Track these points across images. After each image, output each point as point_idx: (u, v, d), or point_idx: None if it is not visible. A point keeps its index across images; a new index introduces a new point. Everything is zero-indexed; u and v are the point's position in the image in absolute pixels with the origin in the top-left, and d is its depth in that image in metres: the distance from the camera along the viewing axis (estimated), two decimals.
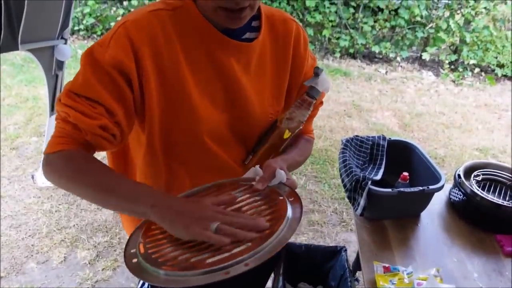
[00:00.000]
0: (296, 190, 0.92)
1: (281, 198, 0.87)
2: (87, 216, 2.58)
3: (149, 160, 1.02)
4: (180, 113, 0.93)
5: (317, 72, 1.03)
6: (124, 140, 0.94)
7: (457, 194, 1.71)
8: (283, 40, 1.04)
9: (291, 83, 1.07)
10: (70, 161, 0.86)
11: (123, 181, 0.86)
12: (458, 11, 5.10)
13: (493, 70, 5.28)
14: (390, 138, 1.92)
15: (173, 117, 0.94)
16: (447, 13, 5.12)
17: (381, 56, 5.41)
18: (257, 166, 0.94)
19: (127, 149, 1.08)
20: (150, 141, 0.97)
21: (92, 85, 0.85)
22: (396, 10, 5.09)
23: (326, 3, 5.02)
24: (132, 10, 5.22)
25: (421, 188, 1.57)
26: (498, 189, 1.75)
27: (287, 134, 1.04)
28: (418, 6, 4.96)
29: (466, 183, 1.68)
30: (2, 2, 1.64)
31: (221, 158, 1.01)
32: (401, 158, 1.89)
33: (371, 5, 5.05)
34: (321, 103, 1.17)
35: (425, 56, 5.25)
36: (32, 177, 2.86)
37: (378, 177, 1.75)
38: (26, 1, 1.78)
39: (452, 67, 5.31)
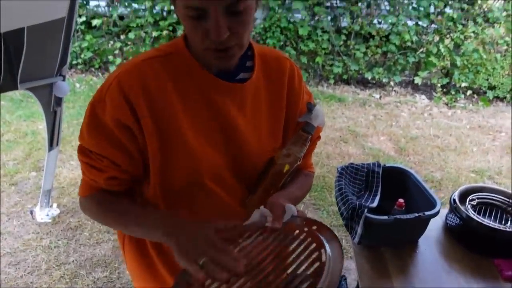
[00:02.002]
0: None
1: (305, 230, 0.86)
2: (86, 251, 2.57)
3: (151, 200, 1.04)
4: (178, 156, 0.96)
5: (310, 108, 1.06)
6: (140, 177, 1.03)
7: (454, 219, 1.72)
8: (277, 78, 1.06)
9: (287, 120, 1.09)
10: (96, 205, 1.03)
11: (138, 214, 0.98)
12: (448, 36, 5.21)
13: (485, 92, 5.36)
14: (385, 165, 1.94)
15: (172, 160, 0.97)
16: (436, 38, 5.24)
17: (374, 82, 5.49)
18: (262, 207, 0.94)
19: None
20: (153, 183, 1.00)
21: (97, 142, 0.96)
22: (387, 36, 5.20)
23: (319, 32, 5.13)
24: (129, 43, 5.31)
25: (417, 214, 1.59)
26: (494, 212, 1.77)
27: (285, 170, 1.05)
28: (408, 31, 5.07)
29: (462, 207, 1.69)
30: (2, 43, 1.69)
31: (221, 198, 1.03)
32: (396, 184, 1.91)
33: (362, 32, 5.16)
34: (319, 137, 1.18)
35: (418, 80, 5.33)
36: (31, 212, 2.86)
37: (374, 204, 1.77)
38: (25, 42, 1.82)
39: (445, 90, 5.39)
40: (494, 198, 1.80)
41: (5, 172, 3.32)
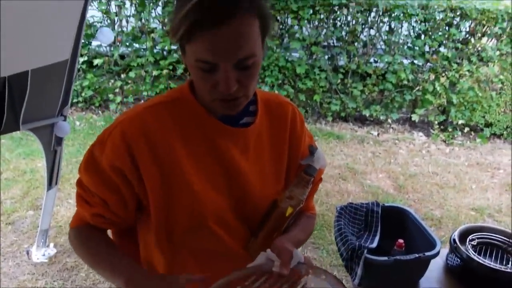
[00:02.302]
0: None
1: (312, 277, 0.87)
2: None
3: (153, 244, 1.05)
4: (182, 200, 0.98)
5: (312, 151, 1.08)
6: (125, 224, 1.05)
7: (454, 259, 1.71)
8: (280, 122, 1.09)
9: (289, 163, 1.12)
10: (78, 238, 1.06)
11: (109, 256, 1.01)
12: (443, 74, 5.31)
13: (482, 129, 5.40)
14: (384, 204, 1.94)
15: (175, 204, 0.98)
16: (432, 76, 5.33)
17: (372, 119, 5.55)
18: (268, 250, 0.95)
19: (133, 229, 1.12)
20: (156, 227, 1.01)
21: (91, 179, 0.99)
22: (383, 75, 5.29)
23: (316, 70, 5.22)
24: (129, 82, 5.39)
25: (417, 255, 1.58)
26: (494, 252, 1.76)
27: (288, 213, 1.06)
28: (404, 70, 5.16)
29: (462, 248, 1.68)
30: (6, 85, 1.72)
31: (224, 241, 1.03)
32: (396, 223, 1.91)
33: (359, 70, 5.25)
34: (320, 179, 1.20)
35: (415, 118, 5.39)
36: (27, 252, 2.82)
37: (374, 244, 1.76)
38: (29, 84, 1.86)
39: (442, 127, 5.44)
40: (494, 238, 1.79)
41: (3, 211, 3.29)
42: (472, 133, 5.46)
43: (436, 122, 5.39)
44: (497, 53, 5.19)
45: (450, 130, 5.37)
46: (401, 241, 1.71)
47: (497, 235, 1.79)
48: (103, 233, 1.06)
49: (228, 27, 0.81)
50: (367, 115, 5.40)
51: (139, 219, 1.07)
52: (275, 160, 1.09)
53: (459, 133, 5.38)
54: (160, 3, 5.10)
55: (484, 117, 5.38)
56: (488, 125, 5.39)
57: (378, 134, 5.30)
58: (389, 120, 5.46)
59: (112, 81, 5.43)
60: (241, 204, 1.03)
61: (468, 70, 5.19)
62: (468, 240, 1.78)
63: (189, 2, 0.81)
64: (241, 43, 0.83)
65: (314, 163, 1.06)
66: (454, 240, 1.74)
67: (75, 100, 5.32)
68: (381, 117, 5.40)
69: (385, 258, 1.58)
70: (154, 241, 1.03)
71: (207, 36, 0.81)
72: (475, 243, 1.76)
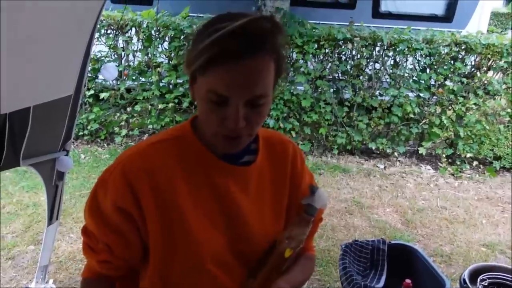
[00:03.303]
0: None
1: None
2: None
3: (150, 284, 1.02)
4: (180, 240, 0.96)
5: (312, 190, 1.06)
6: (132, 268, 1.04)
7: None
8: (281, 161, 1.08)
9: (290, 202, 1.10)
10: None
11: None
12: (449, 107, 5.29)
13: (491, 163, 5.33)
14: (390, 242, 1.89)
15: (173, 244, 0.96)
16: (438, 109, 5.31)
17: (378, 152, 5.50)
18: None
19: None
20: (153, 267, 0.99)
21: (95, 224, 0.99)
22: (389, 108, 5.28)
23: (321, 103, 5.22)
24: (135, 115, 5.43)
25: None
26: None
27: (287, 254, 1.03)
28: (410, 103, 5.15)
29: None
30: (7, 121, 1.71)
31: (223, 282, 1.00)
32: (403, 261, 1.85)
33: (365, 104, 5.25)
34: (321, 219, 1.18)
35: (422, 151, 5.33)
36: None
37: (381, 284, 1.70)
38: (30, 120, 1.85)
39: (450, 160, 5.37)
40: (506, 278, 1.73)
41: (3, 246, 3.25)
42: (481, 166, 5.38)
43: (443, 155, 5.34)
44: (504, 86, 5.18)
45: (458, 163, 5.30)
46: (408, 281, 1.65)
47: (508, 275, 1.72)
48: (113, 285, 1.05)
49: (247, 64, 0.82)
50: (373, 148, 5.36)
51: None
52: (276, 199, 1.07)
53: (468, 166, 5.31)
54: (166, 38, 5.19)
55: (492, 150, 5.32)
56: (497, 158, 5.32)
57: (384, 167, 5.25)
58: (396, 153, 5.41)
59: (118, 114, 5.47)
60: (240, 244, 1.01)
61: (475, 104, 5.17)
62: (478, 280, 1.71)
63: (211, 35, 0.81)
64: (257, 81, 0.84)
65: (315, 203, 1.05)
66: (464, 280, 1.68)
67: (80, 133, 5.35)
68: (388, 150, 5.36)
69: None
70: (150, 282, 1.01)
71: (224, 68, 0.82)
72: (486, 284, 1.70)
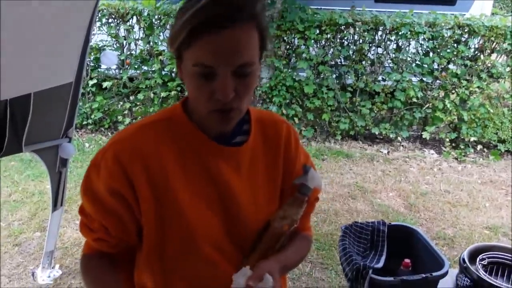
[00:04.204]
0: None
1: None
2: None
3: (144, 269, 1.03)
4: (174, 222, 0.96)
5: (306, 170, 1.05)
6: (129, 246, 1.04)
7: (464, 280, 1.65)
8: (274, 142, 1.08)
9: (284, 183, 1.09)
10: (85, 265, 1.08)
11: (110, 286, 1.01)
12: (453, 91, 5.26)
13: (496, 146, 5.31)
14: (390, 223, 1.90)
15: (167, 226, 0.96)
16: (442, 93, 5.28)
17: (381, 137, 5.49)
18: (247, 267, 0.93)
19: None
20: (147, 249, 0.99)
21: (90, 204, 0.99)
22: (392, 93, 5.26)
23: (324, 89, 5.21)
24: (138, 104, 5.44)
25: (424, 275, 1.53)
26: (506, 272, 1.70)
27: (281, 233, 1.03)
28: (413, 88, 5.13)
29: (472, 268, 1.63)
30: (8, 107, 1.73)
31: (218, 263, 1.00)
32: (402, 242, 1.86)
33: (367, 89, 5.23)
34: (317, 198, 1.17)
35: (426, 135, 5.32)
36: (33, 274, 2.81)
37: (380, 264, 1.71)
38: (31, 106, 1.87)
39: (454, 144, 5.36)
40: (505, 257, 1.73)
41: (10, 233, 3.30)
42: (485, 150, 5.37)
43: (447, 140, 5.32)
44: (508, 69, 5.14)
45: (462, 147, 5.29)
46: (407, 260, 1.66)
47: (508, 255, 1.73)
48: (112, 264, 1.05)
49: (229, 32, 0.82)
50: (377, 133, 5.35)
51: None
52: (269, 179, 1.07)
53: (471, 150, 5.30)
54: (167, 26, 5.18)
55: (496, 133, 5.29)
56: (501, 141, 5.29)
57: (388, 152, 5.24)
58: (399, 138, 5.40)
59: (121, 103, 5.50)
60: (233, 224, 1.01)
61: (478, 87, 5.13)
62: (478, 259, 1.73)
63: (191, 9, 0.82)
64: (241, 49, 0.84)
65: (308, 183, 1.04)
66: (463, 260, 1.69)
67: (84, 122, 5.38)
68: (391, 135, 5.35)
69: (391, 278, 1.54)
70: (145, 265, 1.02)
71: (207, 39, 0.82)
72: (486, 263, 1.71)
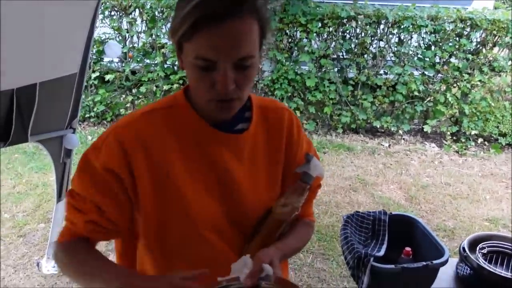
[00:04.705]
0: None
1: None
2: None
3: (144, 253, 1.04)
4: (175, 207, 0.97)
5: (308, 158, 1.06)
6: (119, 234, 1.02)
7: (464, 268, 1.68)
8: (276, 129, 1.08)
9: (286, 170, 1.10)
10: (64, 251, 1.00)
11: (99, 265, 0.96)
12: (454, 85, 5.27)
13: (496, 139, 5.33)
14: (391, 213, 1.92)
15: (168, 212, 0.97)
16: (443, 87, 5.29)
17: (383, 130, 5.51)
18: (248, 256, 0.94)
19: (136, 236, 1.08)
20: (146, 235, 1.01)
21: (84, 184, 0.96)
22: (393, 86, 5.27)
23: (326, 83, 5.22)
24: (140, 97, 5.46)
25: (424, 263, 1.56)
26: (506, 261, 1.72)
27: (282, 220, 1.04)
28: (415, 81, 5.14)
29: (472, 256, 1.65)
30: (14, 97, 1.75)
31: (219, 248, 1.02)
32: (403, 232, 1.88)
33: (369, 82, 5.24)
34: (319, 185, 1.18)
35: (427, 129, 5.34)
36: (37, 264, 2.84)
37: (381, 253, 1.74)
38: (37, 96, 1.89)
39: (455, 138, 5.37)
40: (505, 246, 1.76)
41: (14, 224, 3.33)
42: (486, 143, 5.38)
43: (448, 133, 5.34)
44: (509, 63, 5.14)
45: (463, 140, 5.30)
46: (408, 249, 1.68)
47: (507, 244, 1.75)
48: (93, 246, 1.01)
49: (230, 25, 0.83)
50: (378, 126, 5.37)
51: (133, 230, 1.04)
52: (271, 167, 1.07)
53: (473, 143, 5.32)
54: (170, 19, 5.18)
55: (497, 127, 5.30)
56: (502, 135, 5.31)
57: (389, 146, 5.26)
58: (400, 132, 5.42)
59: (124, 96, 5.51)
60: (236, 212, 1.02)
61: (480, 81, 5.14)
62: (478, 248, 1.75)
63: (191, 1, 0.83)
64: (242, 42, 0.85)
65: (311, 171, 1.04)
66: (463, 248, 1.71)
67: (87, 115, 5.40)
68: (392, 129, 5.37)
69: (392, 266, 1.56)
70: (146, 250, 1.03)
71: (208, 33, 0.83)
72: (485, 252, 1.73)
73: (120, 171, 0.94)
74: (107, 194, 0.95)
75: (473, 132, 5.28)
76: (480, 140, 5.37)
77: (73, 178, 1.00)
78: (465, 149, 5.20)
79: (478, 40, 5.19)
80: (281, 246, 1.02)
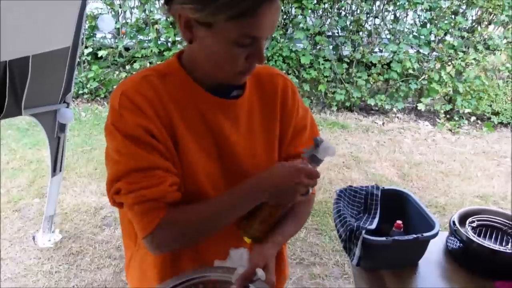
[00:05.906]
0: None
1: None
2: (86, 277, 2.57)
3: None
4: (180, 165, 0.98)
5: (316, 143, 1.01)
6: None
7: (454, 241, 1.71)
8: (270, 94, 1.10)
9: (282, 136, 1.12)
10: (175, 223, 0.95)
11: (230, 195, 1.00)
12: (449, 63, 5.27)
13: (489, 118, 5.36)
14: (383, 187, 1.94)
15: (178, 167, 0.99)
16: (438, 65, 5.29)
17: (377, 108, 5.52)
18: (245, 250, 0.96)
19: None
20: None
21: (137, 155, 0.91)
22: (388, 64, 5.26)
23: (320, 60, 5.20)
24: (134, 73, 5.40)
25: (415, 236, 1.58)
26: (494, 234, 1.75)
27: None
28: (410, 59, 5.13)
29: (462, 230, 1.68)
30: (7, 70, 1.74)
31: None
32: (395, 206, 1.91)
33: (364, 60, 5.23)
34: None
35: (421, 107, 5.36)
36: (33, 238, 2.87)
37: (373, 226, 1.76)
38: (30, 69, 1.88)
39: (448, 116, 5.40)
40: (494, 220, 1.79)
41: (9, 199, 3.34)
42: (479, 122, 5.42)
43: (442, 111, 5.36)
44: (504, 41, 5.14)
45: (456, 119, 5.33)
46: (399, 222, 1.71)
47: (496, 217, 1.78)
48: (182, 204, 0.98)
49: (277, 5, 0.88)
50: (372, 104, 5.38)
51: None
52: (267, 131, 1.09)
53: (466, 122, 5.35)
54: None
55: (491, 105, 5.33)
56: (495, 113, 5.34)
57: (383, 124, 5.28)
58: (394, 110, 5.44)
59: (117, 72, 5.46)
60: (233, 176, 1.04)
61: (475, 59, 5.14)
62: (468, 222, 1.78)
63: None
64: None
65: (319, 154, 1.02)
66: (453, 222, 1.74)
67: (80, 92, 5.36)
68: (386, 107, 5.38)
69: (383, 238, 1.58)
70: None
71: (263, 11, 0.86)
72: (475, 225, 1.76)
73: (150, 124, 0.92)
74: (158, 152, 0.93)
75: (466, 111, 5.31)
76: (473, 118, 5.41)
77: (116, 170, 0.94)
78: (458, 127, 5.24)
79: (474, 18, 5.17)
80: (279, 239, 1.06)
